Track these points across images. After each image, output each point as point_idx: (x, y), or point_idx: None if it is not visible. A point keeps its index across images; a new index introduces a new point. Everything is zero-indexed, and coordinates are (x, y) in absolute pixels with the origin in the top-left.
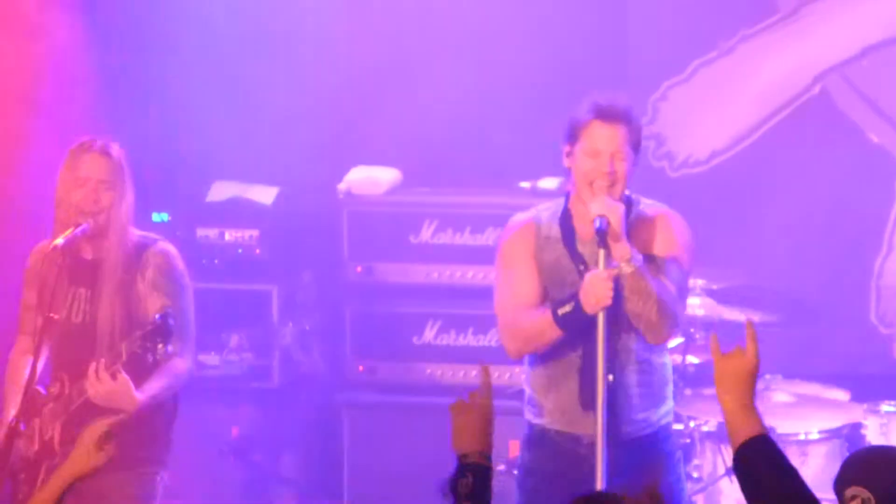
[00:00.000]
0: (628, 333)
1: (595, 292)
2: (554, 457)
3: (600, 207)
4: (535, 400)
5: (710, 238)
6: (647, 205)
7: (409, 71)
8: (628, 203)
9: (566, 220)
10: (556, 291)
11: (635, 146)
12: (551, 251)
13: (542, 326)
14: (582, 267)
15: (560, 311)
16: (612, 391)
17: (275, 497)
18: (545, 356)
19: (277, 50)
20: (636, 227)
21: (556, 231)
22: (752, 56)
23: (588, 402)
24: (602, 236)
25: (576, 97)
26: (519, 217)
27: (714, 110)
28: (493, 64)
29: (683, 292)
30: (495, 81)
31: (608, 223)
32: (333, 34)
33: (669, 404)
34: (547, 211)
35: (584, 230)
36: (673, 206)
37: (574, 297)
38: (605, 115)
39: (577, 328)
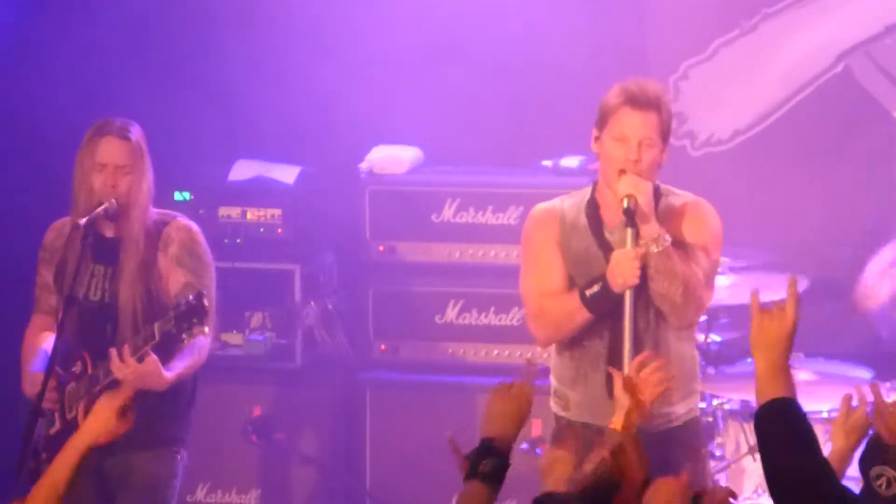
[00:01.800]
0: (657, 325)
1: (622, 270)
2: (581, 451)
3: (628, 186)
4: (561, 392)
5: (732, 216)
6: (676, 195)
7: (430, 50)
8: (657, 193)
9: (593, 208)
10: (583, 280)
11: (664, 135)
12: (579, 240)
13: (571, 309)
14: (609, 255)
15: (588, 293)
16: None
17: (296, 476)
18: (572, 347)
19: (300, 30)
20: (665, 217)
21: (582, 220)
22: (775, 34)
23: (613, 392)
24: (630, 216)
25: (597, 76)
26: (541, 206)
27: (736, 89)
28: (514, 42)
29: (710, 280)
30: (516, 59)
31: (636, 202)
32: (356, 14)
33: (696, 398)
34: (570, 199)
35: (611, 218)
36: (695, 185)
37: (601, 277)
38: (635, 101)
39: (605, 309)
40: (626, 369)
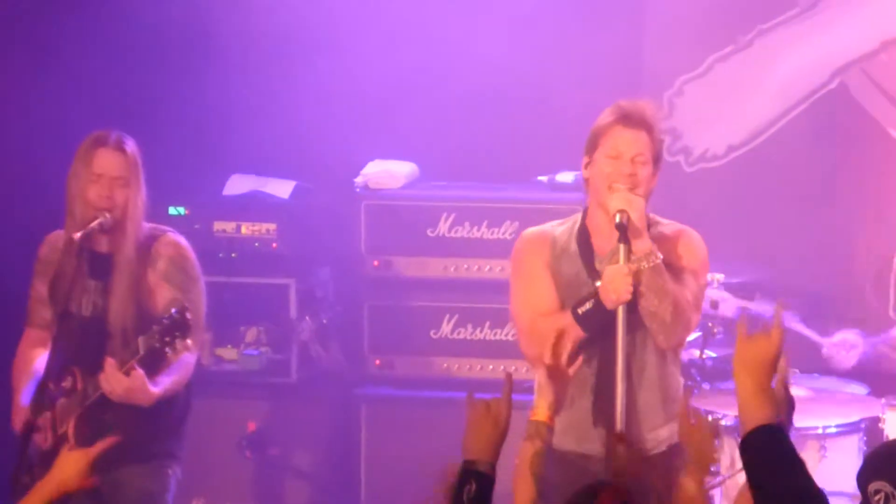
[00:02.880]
0: (644, 350)
1: (615, 286)
2: (565, 477)
3: (621, 202)
4: None
5: (726, 232)
6: (665, 224)
7: (426, 66)
8: (647, 220)
9: (583, 235)
10: (570, 300)
11: (655, 157)
12: (569, 265)
13: (562, 327)
14: (598, 283)
15: (580, 310)
16: (625, 407)
17: (291, 492)
18: None
19: (295, 45)
20: (656, 242)
21: (573, 246)
22: (770, 50)
23: (600, 418)
24: (622, 231)
25: (592, 92)
26: (532, 230)
27: (731, 105)
28: (510, 59)
29: (698, 303)
30: (512, 76)
31: (629, 217)
32: (352, 31)
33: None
34: (561, 225)
35: (601, 246)
36: (689, 200)
37: (593, 294)
38: (628, 119)
39: (597, 326)
40: (620, 388)
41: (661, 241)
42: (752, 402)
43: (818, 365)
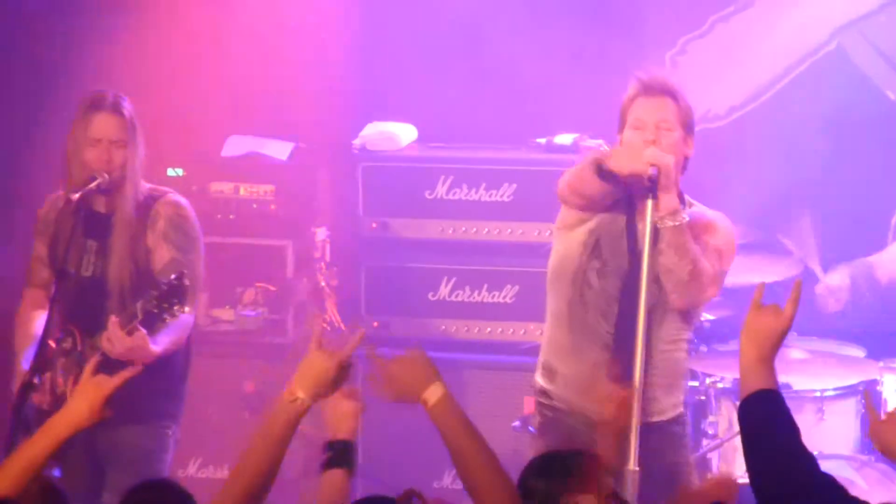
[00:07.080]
0: (659, 325)
1: (628, 152)
2: (565, 441)
3: (651, 157)
4: (550, 364)
5: (725, 192)
6: (701, 206)
7: (425, 27)
8: (682, 200)
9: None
10: (608, 252)
11: (684, 123)
12: (615, 223)
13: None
14: (631, 242)
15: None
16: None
17: (288, 452)
18: (572, 320)
19: (295, 4)
20: (692, 222)
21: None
22: (769, 11)
23: (610, 375)
24: (651, 185)
25: (593, 52)
26: None
27: (732, 65)
28: (509, 21)
29: (716, 281)
30: (512, 37)
31: (658, 172)
32: None
33: (682, 396)
34: None
35: (640, 210)
36: (693, 160)
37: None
38: (648, 88)
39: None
40: (638, 359)
41: (696, 219)
42: (752, 370)
43: (816, 326)
